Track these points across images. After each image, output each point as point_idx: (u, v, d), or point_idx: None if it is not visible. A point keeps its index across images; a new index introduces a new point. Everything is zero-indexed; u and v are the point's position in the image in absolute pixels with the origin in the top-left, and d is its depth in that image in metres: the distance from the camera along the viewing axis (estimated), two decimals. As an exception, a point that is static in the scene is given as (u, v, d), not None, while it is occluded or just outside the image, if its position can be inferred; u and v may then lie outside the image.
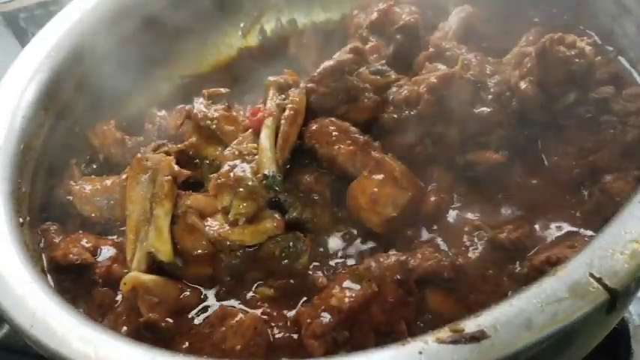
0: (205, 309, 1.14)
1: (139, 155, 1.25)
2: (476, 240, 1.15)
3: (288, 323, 1.08)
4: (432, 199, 1.21)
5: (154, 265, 1.18)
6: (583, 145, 1.23)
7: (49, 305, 1.01)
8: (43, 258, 1.26)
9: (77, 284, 1.21)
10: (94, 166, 1.52)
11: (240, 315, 1.06)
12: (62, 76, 1.50)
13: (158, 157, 1.22)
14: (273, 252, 1.18)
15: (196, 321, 1.11)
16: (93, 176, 1.40)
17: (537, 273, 1.03)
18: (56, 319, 0.98)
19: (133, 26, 1.61)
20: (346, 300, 1.03)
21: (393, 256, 1.08)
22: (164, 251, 1.16)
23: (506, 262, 1.11)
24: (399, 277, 1.06)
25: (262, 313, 1.10)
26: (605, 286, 0.85)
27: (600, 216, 1.11)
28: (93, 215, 1.33)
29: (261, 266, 1.18)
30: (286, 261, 1.18)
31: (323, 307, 1.03)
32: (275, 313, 1.10)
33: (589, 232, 1.13)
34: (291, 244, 1.18)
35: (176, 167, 1.23)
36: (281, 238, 1.18)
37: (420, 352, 0.84)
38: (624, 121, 1.21)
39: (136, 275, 1.12)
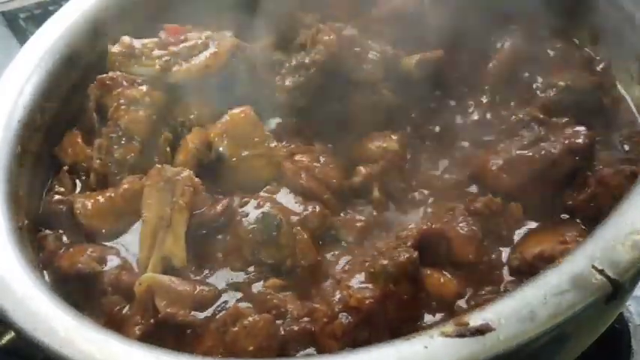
0: (223, 305, 1.13)
1: (158, 165, 1.27)
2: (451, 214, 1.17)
3: (300, 317, 1.06)
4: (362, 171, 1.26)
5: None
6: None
7: (50, 307, 1.00)
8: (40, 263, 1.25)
9: (84, 294, 1.19)
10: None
11: (253, 316, 1.05)
12: (58, 79, 1.49)
13: (177, 169, 1.26)
14: (254, 239, 1.18)
15: (213, 318, 1.10)
16: (87, 192, 1.36)
17: (529, 268, 1.05)
18: (58, 320, 0.98)
19: (131, 27, 1.60)
20: (366, 301, 1.03)
21: (404, 253, 1.08)
22: (180, 257, 1.19)
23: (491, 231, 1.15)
24: (411, 273, 1.07)
25: (273, 307, 1.09)
26: (607, 277, 0.86)
27: (596, 209, 1.12)
28: (102, 229, 1.30)
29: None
30: (266, 238, 1.17)
31: (341, 307, 1.04)
32: (287, 306, 1.09)
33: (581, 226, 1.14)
34: (261, 226, 1.18)
35: (196, 179, 1.25)
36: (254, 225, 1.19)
37: (426, 347, 0.84)
38: None
39: (152, 275, 1.14)
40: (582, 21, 1.47)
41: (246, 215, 1.22)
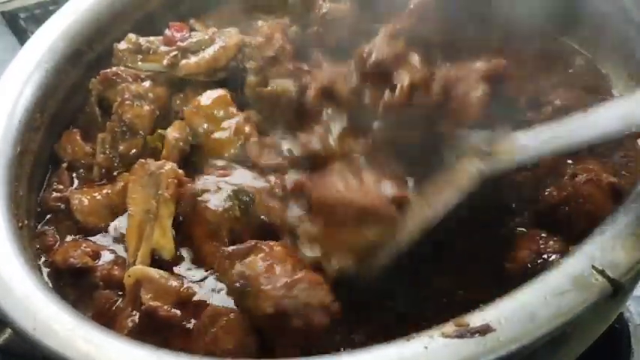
0: (206, 300, 1.13)
1: (141, 160, 1.28)
2: None
3: None
4: None
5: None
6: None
7: (50, 307, 1.00)
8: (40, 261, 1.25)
9: (77, 288, 1.20)
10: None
11: (231, 314, 1.05)
12: (58, 79, 1.49)
13: (160, 163, 1.27)
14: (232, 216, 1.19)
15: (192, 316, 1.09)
16: (85, 188, 1.37)
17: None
18: (58, 320, 0.97)
19: (129, 28, 1.60)
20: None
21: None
22: (168, 248, 1.21)
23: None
24: None
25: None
26: (607, 277, 0.86)
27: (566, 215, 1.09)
28: (98, 225, 1.31)
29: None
30: (244, 209, 1.19)
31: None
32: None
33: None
34: (236, 201, 1.20)
35: (179, 171, 1.27)
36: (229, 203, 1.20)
37: (426, 347, 0.84)
38: None
39: (142, 267, 1.15)
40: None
41: (208, 201, 1.22)
